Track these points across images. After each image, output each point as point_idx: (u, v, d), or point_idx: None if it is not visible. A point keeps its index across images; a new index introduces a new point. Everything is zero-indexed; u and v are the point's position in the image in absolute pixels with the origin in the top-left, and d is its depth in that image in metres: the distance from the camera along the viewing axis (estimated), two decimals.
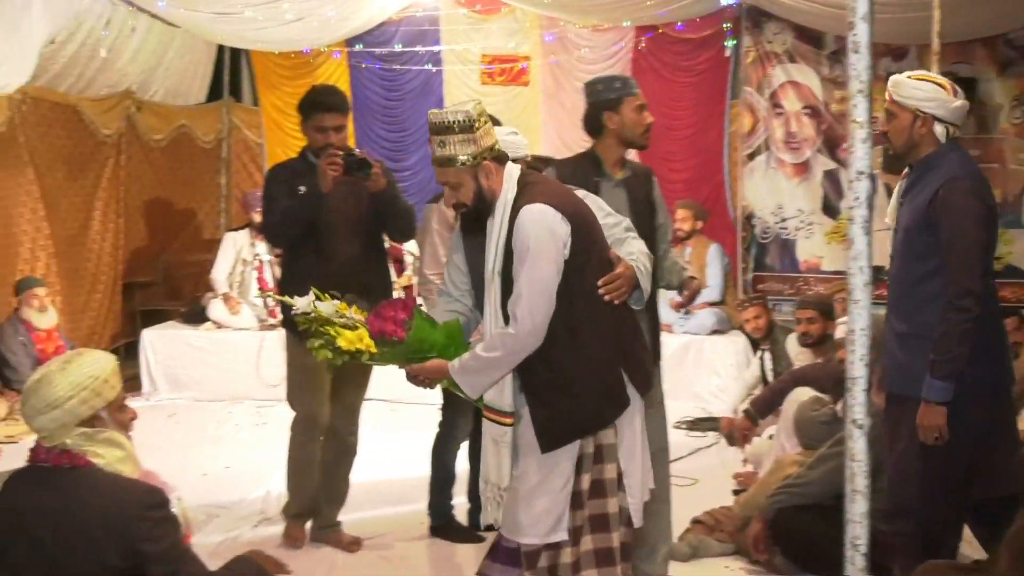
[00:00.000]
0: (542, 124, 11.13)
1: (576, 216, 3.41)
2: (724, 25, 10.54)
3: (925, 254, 3.87)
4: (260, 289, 9.31)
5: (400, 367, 3.63)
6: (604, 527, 3.46)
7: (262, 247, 9.31)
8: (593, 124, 4.50)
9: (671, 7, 10.03)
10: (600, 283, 3.49)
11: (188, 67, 11.30)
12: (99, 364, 2.86)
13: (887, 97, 3.98)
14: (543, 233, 3.30)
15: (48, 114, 9.58)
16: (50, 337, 8.53)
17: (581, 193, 3.70)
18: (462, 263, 3.74)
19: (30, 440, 2.92)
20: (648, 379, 3.64)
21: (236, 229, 9.86)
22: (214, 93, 12.09)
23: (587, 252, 3.43)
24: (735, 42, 10.53)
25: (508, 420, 3.47)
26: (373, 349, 3.53)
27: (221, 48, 11.56)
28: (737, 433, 6.37)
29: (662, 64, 10.80)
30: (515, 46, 11.20)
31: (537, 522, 3.40)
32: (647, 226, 4.39)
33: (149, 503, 2.77)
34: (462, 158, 3.39)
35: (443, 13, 11.14)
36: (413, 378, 3.61)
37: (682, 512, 5.21)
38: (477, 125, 3.38)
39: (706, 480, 6.49)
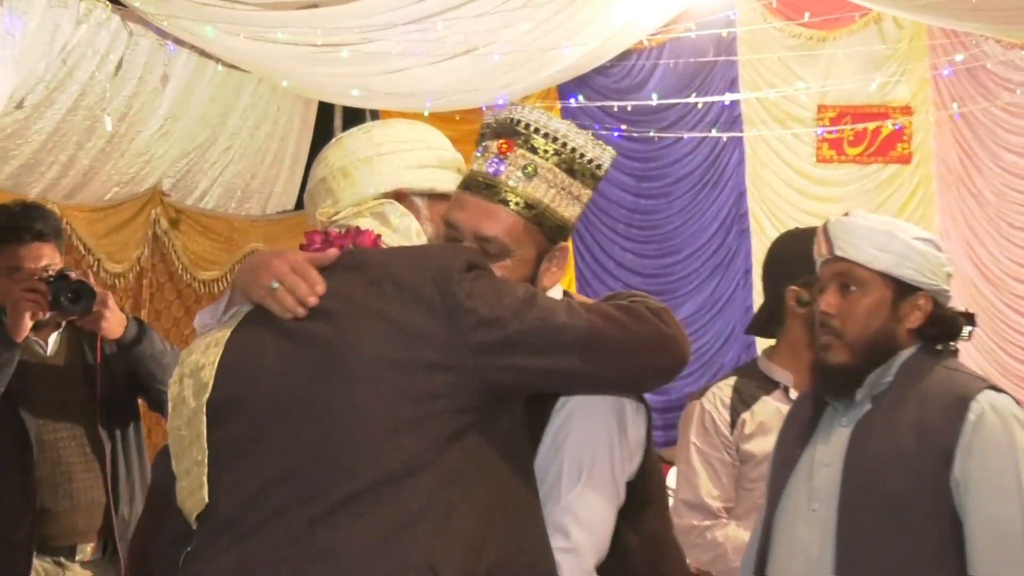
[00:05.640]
0: (938, 228, 7.69)
1: None
2: None
3: None
4: None
5: None
6: None
7: None
8: None
9: None
10: None
11: None
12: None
13: None
14: None
15: None
16: None
17: None
18: None
19: None
20: None
21: None
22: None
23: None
24: None
25: None
26: None
27: (322, 109, 6.68)
28: None
29: None
30: (881, 88, 7.11)
31: None
32: None
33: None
34: (550, 212, 2.05)
35: (740, 31, 6.57)
36: None
37: None
38: (601, 175, 2.19)
39: None
